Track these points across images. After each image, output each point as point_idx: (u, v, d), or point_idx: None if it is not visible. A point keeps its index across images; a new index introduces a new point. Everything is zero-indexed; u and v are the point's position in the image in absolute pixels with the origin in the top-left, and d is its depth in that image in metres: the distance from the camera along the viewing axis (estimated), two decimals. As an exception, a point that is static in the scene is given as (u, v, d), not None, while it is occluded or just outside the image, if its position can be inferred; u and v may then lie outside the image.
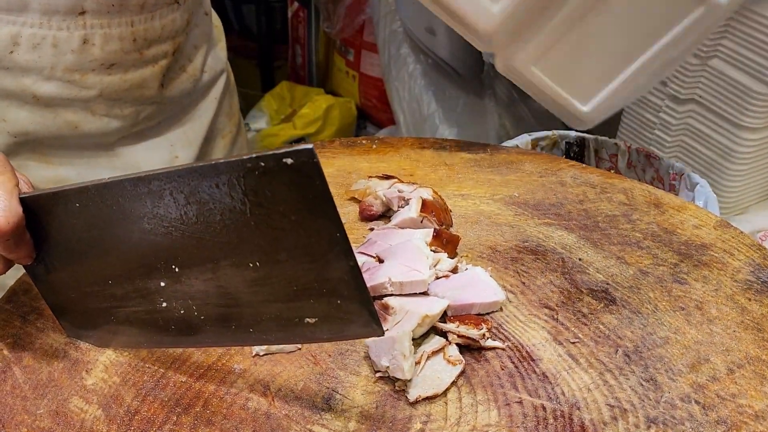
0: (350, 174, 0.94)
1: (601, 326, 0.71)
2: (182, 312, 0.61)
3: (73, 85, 0.85)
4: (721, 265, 0.79)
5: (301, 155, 0.49)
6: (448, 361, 0.66)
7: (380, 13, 2.10)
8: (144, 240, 0.58)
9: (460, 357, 0.67)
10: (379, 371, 0.65)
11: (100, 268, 0.62)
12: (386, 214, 0.87)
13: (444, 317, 0.70)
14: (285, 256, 0.55)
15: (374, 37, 2.19)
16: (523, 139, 1.33)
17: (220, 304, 0.60)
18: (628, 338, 0.70)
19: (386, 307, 0.69)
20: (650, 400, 0.64)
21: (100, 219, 0.58)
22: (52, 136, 0.88)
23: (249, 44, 2.70)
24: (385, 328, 0.68)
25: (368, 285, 0.70)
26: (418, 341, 0.68)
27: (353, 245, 0.79)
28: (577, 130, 1.35)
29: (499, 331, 0.71)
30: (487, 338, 0.68)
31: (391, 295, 0.71)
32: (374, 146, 1.01)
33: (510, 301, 0.74)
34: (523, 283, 0.77)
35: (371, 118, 2.46)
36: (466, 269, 0.76)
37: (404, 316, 0.68)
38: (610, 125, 1.60)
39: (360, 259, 0.75)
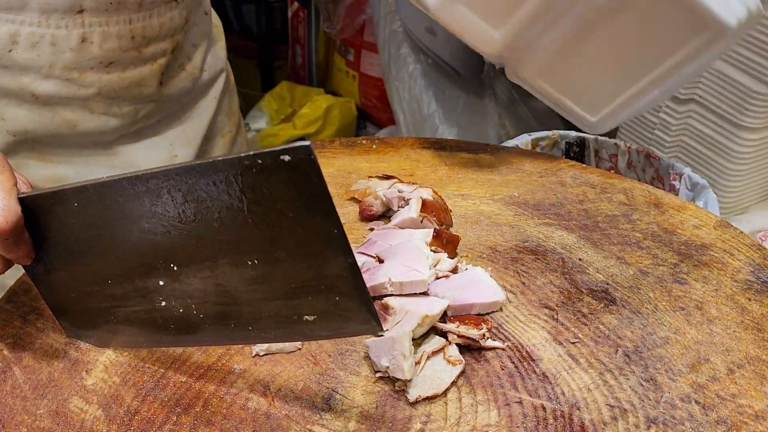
0: (350, 174, 0.94)
1: (601, 326, 0.71)
2: (181, 311, 0.61)
3: (71, 84, 0.85)
4: (721, 265, 0.79)
5: (298, 152, 0.49)
6: (448, 361, 0.66)
7: (380, 13, 2.10)
8: (142, 239, 0.58)
9: (460, 357, 0.67)
10: (379, 371, 0.65)
11: (99, 268, 0.62)
12: (386, 214, 0.87)
13: (444, 317, 0.70)
14: (283, 254, 0.55)
15: (374, 37, 2.19)
16: (523, 139, 1.33)
17: (219, 302, 0.60)
18: (628, 338, 0.70)
19: (386, 307, 0.69)
20: (650, 400, 0.64)
21: (99, 218, 0.58)
22: (51, 135, 0.88)
23: (249, 44, 2.70)
24: (385, 328, 0.68)
25: (368, 285, 0.70)
26: (418, 341, 0.68)
27: (353, 245, 0.79)
28: (579, 131, 1.35)
29: (499, 331, 0.71)
30: (487, 338, 0.68)
31: (391, 295, 0.71)
32: (374, 146, 1.01)
33: (510, 301, 0.74)
34: (523, 283, 0.77)
35: (371, 118, 2.46)
36: (466, 269, 0.76)
37: (404, 316, 0.68)
38: (610, 125, 1.60)
39: (360, 259, 0.75)
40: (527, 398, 0.64)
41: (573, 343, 0.69)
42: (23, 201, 0.59)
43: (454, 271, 0.75)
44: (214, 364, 0.67)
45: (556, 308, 0.73)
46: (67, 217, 0.60)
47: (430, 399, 0.63)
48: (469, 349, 0.68)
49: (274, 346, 0.68)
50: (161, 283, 0.60)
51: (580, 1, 0.80)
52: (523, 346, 0.69)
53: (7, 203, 0.58)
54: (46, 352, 0.68)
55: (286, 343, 0.68)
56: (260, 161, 0.50)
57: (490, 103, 1.97)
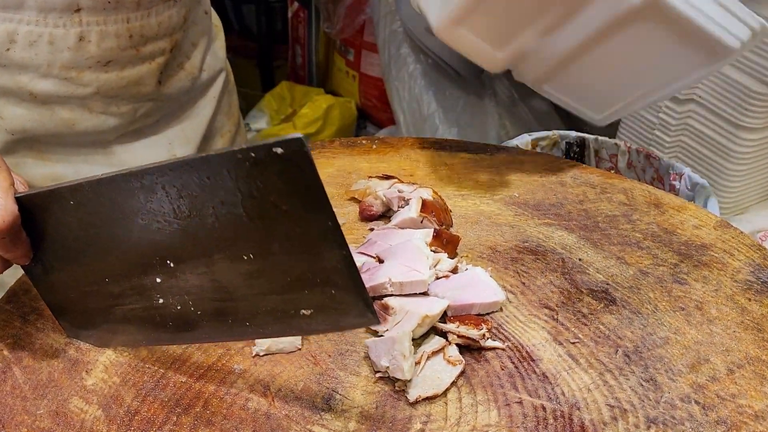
0: (350, 174, 0.94)
1: (601, 326, 0.71)
2: (179, 308, 0.61)
3: (69, 83, 0.85)
4: (721, 266, 0.79)
5: (291, 145, 0.49)
6: (448, 362, 0.66)
7: (380, 13, 2.10)
8: (139, 236, 0.58)
9: (460, 357, 0.67)
10: (379, 371, 0.65)
11: (97, 266, 0.62)
12: (386, 214, 0.87)
13: (444, 317, 0.70)
14: (278, 248, 0.55)
15: (374, 37, 2.19)
16: (523, 139, 1.33)
17: (216, 298, 0.60)
18: (628, 338, 0.70)
19: (386, 308, 0.69)
20: (650, 400, 0.64)
21: (95, 216, 0.58)
22: (49, 134, 0.88)
23: (249, 44, 2.70)
24: (385, 329, 0.68)
25: (368, 285, 0.71)
26: (418, 341, 0.68)
27: (353, 245, 0.79)
28: (579, 131, 1.36)
29: (499, 332, 0.71)
30: (487, 338, 0.68)
31: (391, 295, 0.71)
32: (374, 146, 1.01)
33: (510, 302, 0.74)
34: (523, 283, 0.77)
35: (371, 118, 2.46)
36: (466, 269, 0.76)
37: (404, 317, 0.68)
38: (610, 125, 1.60)
39: (360, 260, 0.75)
40: (527, 398, 0.64)
41: (573, 343, 0.69)
42: (20, 200, 0.59)
43: (454, 271, 0.75)
44: (214, 364, 0.67)
45: (556, 308, 0.73)
46: (63, 215, 0.60)
47: (430, 399, 0.63)
48: (469, 349, 0.68)
49: (274, 347, 0.68)
50: (158, 280, 0.60)
51: (579, 26, 0.81)
52: (523, 346, 0.69)
53: (4, 203, 0.58)
54: (46, 353, 0.68)
55: (286, 344, 0.68)
56: (253, 155, 0.50)
57: (490, 103, 1.97)
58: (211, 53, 1.02)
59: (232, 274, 0.57)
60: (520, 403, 0.63)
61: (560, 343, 0.69)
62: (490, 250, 0.81)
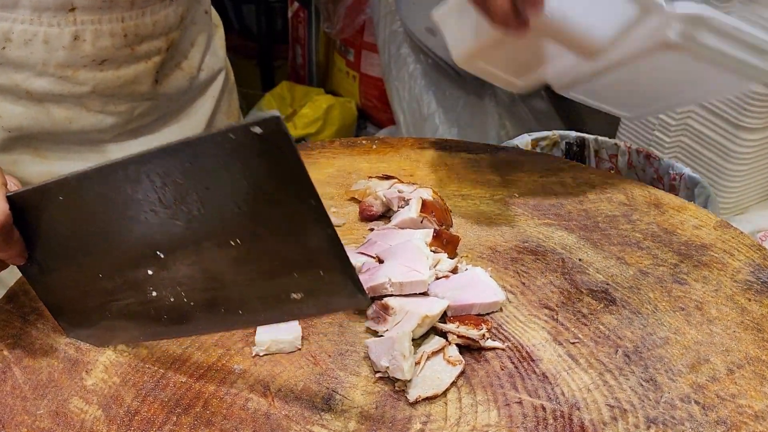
0: (350, 174, 0.94)
1: (601, 326, 0.71)
2: (172, 300, 0.61)
3: (65, 81, 0.85)
4: (721, 266, 0.79)
5: (268, 124, 0.49)
6: (448, 362, 0.66)
7: (380, 13, 2.10)
8: (127, 228, 0.58)
9: (460, 357, 0.67)
10: (379, 371, 0.65)
11: (90, 263, 0.62)
12: (386, 215, 0.87)
13: (444, 317, 0.70)
14: (264, 230, 0.55)
15: (374, 38, 2.19)
16: (523, 139, 1.33)
17: (207, 287, 0.60)
18: (628, 338, 0.70)
19: (386, 308, 0.69)
20: (650, 400, 0.64)
21: (84, 211, 0.59)
22: (47, 132, 0.88)
23: (249, 44, 2.70)
24: (384, 329, 0.68)
25: (368, 285, 0.71)
26: (418, 341, 0.68)
27: (353, 246, 0.79)
28: (579, 131, 1.35)
29: (499, 332, 0.71)
30: (487, 338, 0.68)
31: (391, 295, 0.71)
32: (374, 146, 1.01)
33: (510, 302, 0.74)
34: (523, 283, 0.77)
35: (371, 118, 2.46)
36: (466, 270, 0.76)
37: (404, 317, 0.68)
38: (610, 125, 1.60)
39: (360, 260, 0.75)
40: (527, 398, 0.64)
41: (573, 343, 0.69)
42: (11, 200, 0.60)
43: (454, 271, 0.75)
44: (214, 365, 0.67)
45: (556, 308, 0.73)
46: (54, 212, 0.60)
47: (430, 399, 0.63)
48: (469, 349, 0.68)
49: (274, 346, 0.68)
50: (150, 272, 0.60)
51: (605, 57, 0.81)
52: (523, 347, 0.69)
53: None
54: (46, 353, 0.68)
55: (286, 344, 0.68)
56: (232, 136, 0.50)
57: (490, 103, 1.97)
58: (211, 53, 1.02)
59: (221, 262, 0.58)
60: (520, 403, 0.63)
61: (560, 343, 0.69)
62: (490, 250, 0.81)
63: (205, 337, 0.69)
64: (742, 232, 0.84)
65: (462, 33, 0.77)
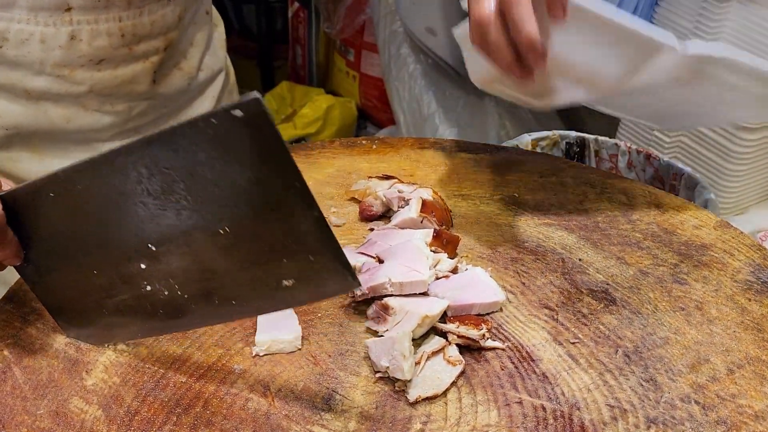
0: (350, 174, 0.94)
1: (601, 326, 0.71)
2: (166, 293, 0.61)
3: (63, 81, 0.85)
4: (721, 266, 0.79)
5: (249, 106, 0.49)
6: (448, 362, 0.66)
7: (380, 13, 2.10)
8: (118, 222, 0.58)
9: (460, 357, 0.67)
10: (379, 371, 0.65)
11: (83, 260, 0.62)
12: (386, 215, 0.87)
13: (444, 317, 0.70)
14: (251, 215, 0.55)
15: (374, 38, 2.19)
16: (523, 139, 1.33)
17: (200, 278, 0.60)
18: (628, 338, 0.70)
19: (386, 308, 0.69)
20: (650, 400, 0.64)
21: (75, 206, 0.59)
22: (45, 131, 0.88)
23: (249, 44, 2.70)
24: (385, 329, 0.68)
25: (368, 285, 0.71)
26: (418, 341, 0.68)
27: (353, 246, 0.79)
28: (579, 131, 1.35)
29: (499, 332, 0.71)
30: (487, 338, 0.68)
31: (391, 295, 0.71)
32: (374, 146, 1.01)
33: (510, 302, 0.74)
34: (523, 283, 0.77)
35: (371, 118, 2.46)
36: (466, 269, 0.76)
37: (404, 317, 0.68)
38: (610, 125, 1.60)
39: (360, 260, 0.75)
40: (527, 398, 0.64)
41: (573, 343, 0.69)
42: (4, 199, 0.60)
43: (454, 271, 0.75)
44: (214, 365, 0.67)
45: (556, 308, 0.73)
46: (46, 210, 0.60)
47: (430, 399, 0.63)
48: (469, 349, 0.68)
49: (274, 346, 0.68)
50: (143, 266, 0.60)
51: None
52: (523, 347, 0.69)
53: None
54: (46, 353, 0.68)
55: (286, 344, 0.68)
56: (214, 120, 0.51)
57: (490, 103, 1.97)
58: (211, 53, 1.02)
59: (211, 251, 0.58)
60: (520, 403, 0.63)
61: (560, 343, 0.69)
62: (490, 250, 0.81)
63: (205, 337, 0.69)
64: (742, 232, 0.84)
65: (479, 58, 0.77)
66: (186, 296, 0.61)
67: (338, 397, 0.64)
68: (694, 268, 0.79)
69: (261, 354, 0.68)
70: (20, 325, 0.71)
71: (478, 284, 0.73)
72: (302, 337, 0.69)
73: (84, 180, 0.57)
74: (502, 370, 0.66)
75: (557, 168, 0.97)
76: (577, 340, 0.69)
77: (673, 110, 0.89)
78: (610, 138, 1.36)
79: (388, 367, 0.64)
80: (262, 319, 0.70)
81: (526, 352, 0.68)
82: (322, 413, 0.62)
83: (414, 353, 0.65)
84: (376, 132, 2.38)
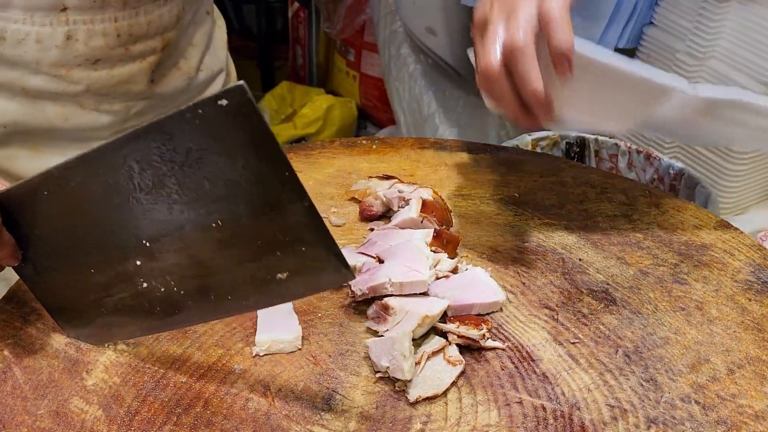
0: (350, 174, 0.94)
1: (601, 326, 0.71)
2: (163, 290, 0.61)
3: (60, 80, 0.85)
4: (722, 266, 0.79)
5: (234, 94, 0.50)
6: (448, 362, 0.66)
7: (380, 13, 2.10)
8: (112, 219, 0.58)
9: (460, 357, 0.67)
10: (379, 371, 0.65)
11: (80, 258, 0.62)
12: (386, 215, 0.87)
13: (444, 317, 0.70)
14: (243, 208, 0.55)
15: (374, 38, 2.19)
16: (523, 139, 1.33)
17: (196, 274, 0.60)
18: (628, 338, 0.70)
19: (386, 308, 0.69)
20: (650, 400, 0.64)
21: (69, 204, 0.59)
22: (42, 128, 0.88)
23: (249, 44, 2.70)
24: (385, 329, 0.68)
25: (368, 285, 0.71)
26: (418, 341, 0.68)
27: (353, 246, 0.79)
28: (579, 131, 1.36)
29: (499, 332, 0.71)
30: (487, 338, 0.68)
31: (391, 295, 0.71)
32: (374, 146, 1.01)
33: (510, 302, 0.74)
34: (523, 283, 0.77)
35: (371, 118, 2.46)
36: (466, 269, 0.76)
37: (404, 317, 0.68)
38: (609, 125, 1.59)
39: (360, 260, 0.75)
40: (527, 398, 0.64)
41: (573, 343, 0.69)
42: None
43: (454, 271, 0.75)
44: (214, 365, 0.67)
45: (556, 308, 0.73)
46: (41, 208, 0.60)
47: (430, 399, 0.63)
48: (469, 349, 0.68)
49: (274, 346, 0.68)
50: (138, 263, 0.60)
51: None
52: (523, 347, 0.69)
53: None
54: (46, 353, 0.68)
55: (286, 344, 0.68)
56: (200, 110, 0.51)
57: (491, 104, 1.97)
58: (211, 53, 1.02)
59: (205, 246, 0.58)
60: (520, 403, 0.63)
61: (560, 343, 0.69)
62: (490, 250, 0.81)
63: (205, 337, 0.69)
64: (742, 232, 0.84)
65: None
66: (182, 292, 0.61)
67: (338, 397, 0.64)
68: (694, 268, 0.79)
69: (261, 354, 0.68)
70: (20, 325, 0.71)
71: (478, 284, 0.73)
72: (302, 337, 0.69)
73: (76, 177, 0.57)
74: (503, 370, 0.66)
75: (557, 168, 0.97)
76: (577, 340, 0.70)
77: (682, 139, 0.89)
78: (610, 138, 1.36)
79: (388, 367, 0.64)
80: (262, 319, 0.70)
81: (526, 352, 0.68)
82: (323, 413, 0.62)
83: (414, 353, 0.65)
84: (376, 132, 2.38)
